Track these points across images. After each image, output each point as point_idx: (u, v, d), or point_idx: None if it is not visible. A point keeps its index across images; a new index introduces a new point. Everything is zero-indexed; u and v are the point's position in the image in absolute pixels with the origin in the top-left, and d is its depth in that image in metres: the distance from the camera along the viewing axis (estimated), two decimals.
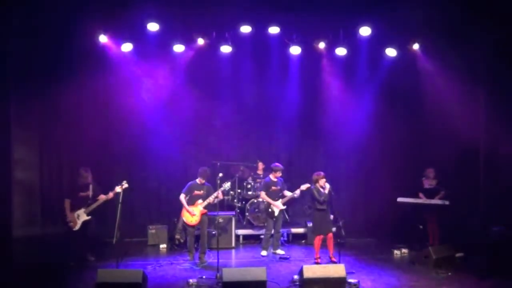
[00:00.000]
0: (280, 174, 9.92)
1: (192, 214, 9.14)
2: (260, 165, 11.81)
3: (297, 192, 9.71)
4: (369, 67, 11.37)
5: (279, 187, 9.89)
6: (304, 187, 9.58)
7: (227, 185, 9.41)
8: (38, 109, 10.57)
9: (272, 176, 9.92)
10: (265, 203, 9.98)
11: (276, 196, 9.86)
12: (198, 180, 9.26)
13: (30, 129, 10.46)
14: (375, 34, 10.50)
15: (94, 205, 9.15)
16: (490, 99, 10.15)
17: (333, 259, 8.98)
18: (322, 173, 9.08)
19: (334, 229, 9.05)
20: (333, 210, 9.19)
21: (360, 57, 11.18)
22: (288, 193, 9.85)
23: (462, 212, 10.13)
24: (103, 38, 10.18)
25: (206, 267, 8.85)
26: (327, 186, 9.01)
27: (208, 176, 9.34)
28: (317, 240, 9.08)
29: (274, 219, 9.82)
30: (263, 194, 9.93)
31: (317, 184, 9.01)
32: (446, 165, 10.51)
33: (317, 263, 8.96)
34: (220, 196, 9.19)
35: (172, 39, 10.51)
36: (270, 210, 9.83)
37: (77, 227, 9.07)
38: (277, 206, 9.78)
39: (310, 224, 10.81)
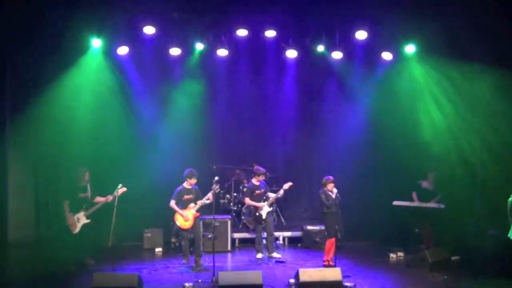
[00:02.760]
0: (263, 178, 9.93)
1: (185, 219, 9.11)
2: None
3: (281, 192, 9.78)
4: (365, 70, 11.40)
5: (262, 190, 9.90)
6: (286, 186, 9.69)
7: (215, 184, 9.24)
8: (34, 111, 10.51)
9: (254, 181, 9.92)
10: (252, 208, 9.98)
11: (261, 199, 9.87)
12: (186, 184, 9.17)
13: (25, 131, 10.40)
14: (371, 38, 10.51)
15: (94, 208, 9.16)
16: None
17: (331, 263, 8.99)
18: (331, 178, 9.11)
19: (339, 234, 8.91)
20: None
21: (356, 60, 11.21)
22: (272, 195, 9.88)
23: (457, 215, 10.14)
24: (97, 42, 10.15)
25: (201, 271, 8.82)
26: (335, 191, 9.06)
27: (196, 176, 9.21)
28: (327, 243, 9.13)
29: (263, 222, 9.81)
30: (247, 200, 9.94)
31: (325, 188, 9.05)
32: (442, 168, 10.52)
33: (325, 265, 9.00)
34: (211, 199, 9.06)
35: (168, 42, 10.49)
36: (257, 214, 9.83)
37: (77, 230, 9.05)
38: (263, 208, 9.78)
39: (306, 228, 10.85)
